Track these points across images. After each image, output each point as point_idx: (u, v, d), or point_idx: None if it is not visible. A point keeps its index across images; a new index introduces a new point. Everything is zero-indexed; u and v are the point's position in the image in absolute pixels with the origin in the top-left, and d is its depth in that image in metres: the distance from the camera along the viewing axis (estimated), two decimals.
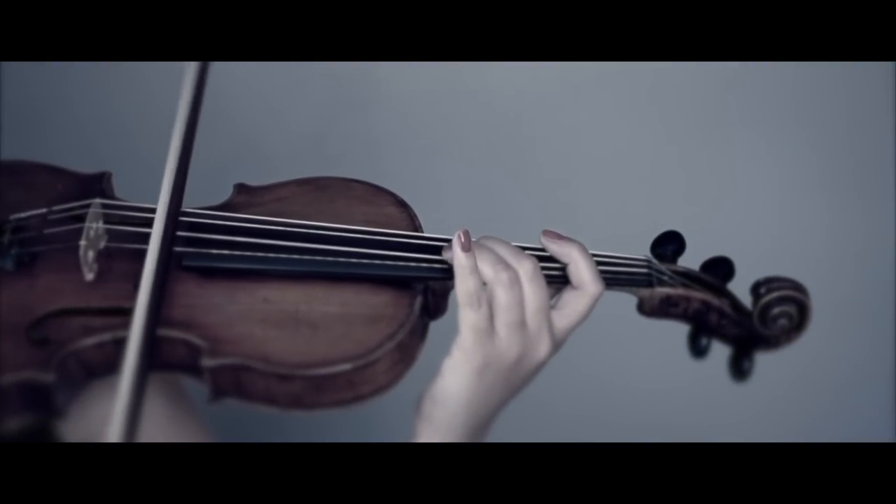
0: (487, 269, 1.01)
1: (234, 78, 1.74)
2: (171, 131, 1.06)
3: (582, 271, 1.04)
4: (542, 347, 1.03)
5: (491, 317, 1.01)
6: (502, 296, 1.01)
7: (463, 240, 1.02)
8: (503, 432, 1.08)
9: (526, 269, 1.02)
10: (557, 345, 1.05)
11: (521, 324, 1.02)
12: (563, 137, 1.83)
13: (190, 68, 1.06)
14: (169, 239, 1.01)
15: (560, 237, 1.06)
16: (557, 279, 1.05)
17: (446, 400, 1.02)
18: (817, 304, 1.11)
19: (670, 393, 1.89)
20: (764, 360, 1.14)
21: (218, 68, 1.42)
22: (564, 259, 1.05)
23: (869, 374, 1.90)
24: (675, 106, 1.83)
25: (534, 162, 1.85)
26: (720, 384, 1.18)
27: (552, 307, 1.04)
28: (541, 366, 1.04)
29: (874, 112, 1.80)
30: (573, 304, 1.04)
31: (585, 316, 1.05)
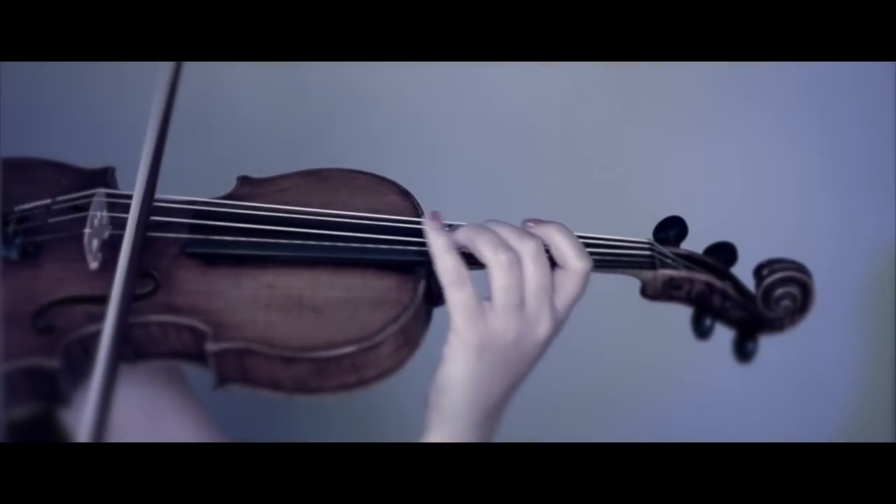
0: (487, 251, 1.01)
1: (234, 78, 1.74)
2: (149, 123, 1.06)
3: (563, 250, 1.04)
4: (542, 328, 1.03)
5: (478, 295, 1.01)
6: (500, 278, 1.01)
7: (435, 222, 1.03)
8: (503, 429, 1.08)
9: (529, 248, 1.02)
10: (557, 324, 1.04)
11: (519, 305, 1.01)
12: (563, 137, 1.83)
13: (165, 69, 1.06)
14: (143, 226, 1.02)
15: (539, 221, 1.06)
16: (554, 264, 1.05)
17: (448, 387, 1.02)
18: (817, 303, 1.12)
19: (673, 385, 1.89)
20: (764, 360, 1.14)
21: (218, 68, 1.43)
22: (545, 241, 1.04)
23: (869, 374, 1.90)
24: (675, 106, 1.83)
25: (534, 162, 1.85)
26: (720, 384, 1.18)
27: None
28: (542, 346, 1.04)
29: (875, 112, 1.80)
30: (563, 284, 1.04)
31: (579, 294, 1.04)
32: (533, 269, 1.02)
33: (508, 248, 1.01)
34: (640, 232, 1.13)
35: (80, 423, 0.92)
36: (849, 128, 1.83)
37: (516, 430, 1.08)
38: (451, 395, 1.02)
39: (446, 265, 1.01)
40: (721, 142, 1.85)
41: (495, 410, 1.04)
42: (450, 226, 1.05)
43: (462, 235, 1.03)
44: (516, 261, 1.01)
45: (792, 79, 1.78)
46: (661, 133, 1.84)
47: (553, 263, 1.05)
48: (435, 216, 1.04)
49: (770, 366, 1.15)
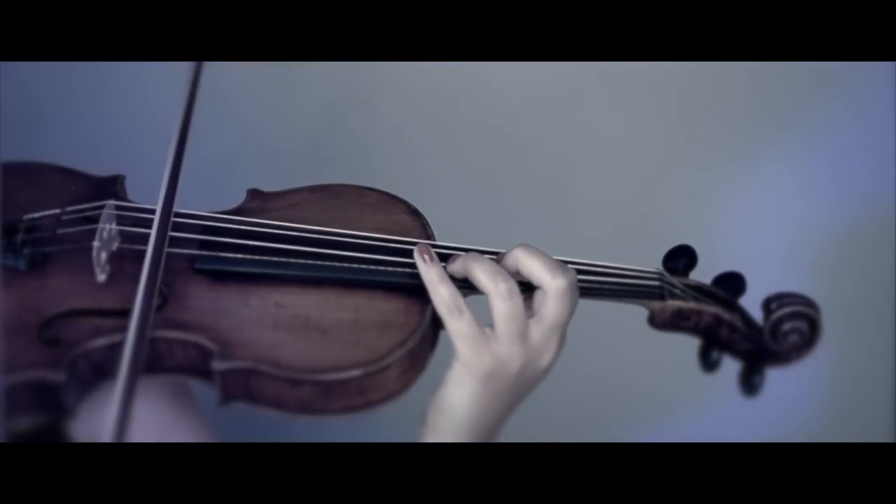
0: (486, 280, 1.01)
1: (234, 78, 1.74)
2: (171, 132, 1.06)
3: (534, 272, 1.02)
4: (547, 356, 1.03)
5: (478, 322, 1.01)
6: (501, 306, 1.00)
7: (425, 255, 1.03)
8: (506, 436, 1.08)
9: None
10: (560, 348, 1.04)
11: (523, 332, 1.01)
12: (563, 138, 1.83)
13: (189, 70, 1.06)
14: (162, 239, 1.02)
15: (501, 255, 1.05)
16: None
17: (450, 409, 1.02)
18: (817, 303, 1.12)
19: (674, 396, 1.90)
20: None
21: (218, 68, 1.42)
22: (513, 267, 1.03)
23: (869, 375, 1.90)
24: (676, 106, 1.83)
25: (534, 162, 1.85)
26: (721, 386, 1.18)
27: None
28: (545, 372, 1.04)
29: (875, 112, 1.80)
30: (544, 306, 1.02)
31: (562, 312, 1.02)
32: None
33: (507, 277, 1.01)
34: (637, 227, 1.13)
35: (102, 429, 0.92)
36: (849, 128, 1.83)
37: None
38: (451, 418, 1.02)
39: (442, 296, 1.01)
40: (720, 142, 1.85)
41: (491, 433, 1.05)
42: (445, 250, 1.05)
43: (459, 266, 1.03)
44: (515, 290, 1.01)
45: (793, 79, 1.78)
46: (660, 132, 1.84)
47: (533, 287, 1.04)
48: (424, 249, 1.03)
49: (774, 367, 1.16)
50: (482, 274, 1.01)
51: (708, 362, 1.13)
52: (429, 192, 1.15)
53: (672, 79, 1.78)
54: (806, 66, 1.72)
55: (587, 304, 1.06)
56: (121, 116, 1.73)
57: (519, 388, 1.03)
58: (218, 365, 0.98)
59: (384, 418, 1.04)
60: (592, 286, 1.08)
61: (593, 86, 1.80)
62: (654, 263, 1.11)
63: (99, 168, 1.13)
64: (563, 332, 1.03)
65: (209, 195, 1.12)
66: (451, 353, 1.03)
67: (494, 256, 1.05)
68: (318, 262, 1.04)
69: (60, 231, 1.05)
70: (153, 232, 1.01)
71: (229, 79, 1.75)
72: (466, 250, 1.06)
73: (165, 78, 1.09)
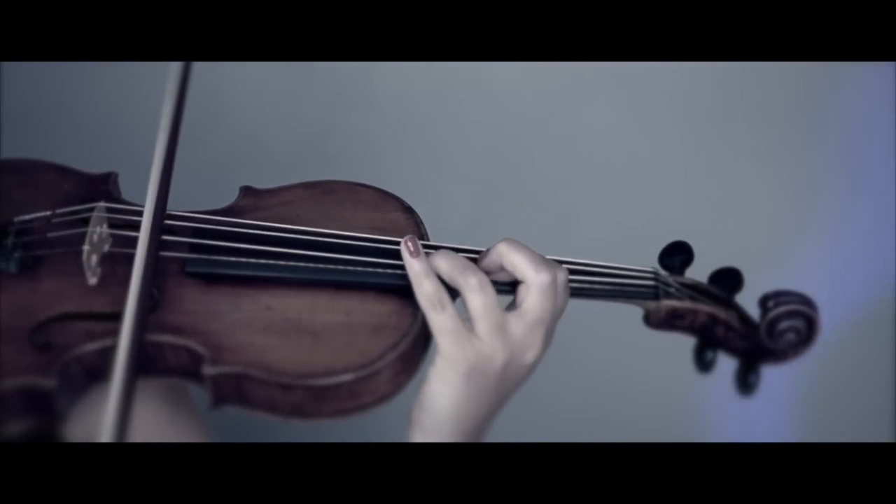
0: (456, 275, 1.00)
1: (235, 78, 1.74)
2: (157, 132, 1.05)
3: (518, 266, 1.02)
4: (531, 352, 1.02)
5: (460, 317, 1.00)
6: (475, 300, 1.00)
7: (411, 246, 1.02)
8: (502, 435, 1.07)
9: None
10: (546, 345, 1.03)
11: (501, 326, 1.00)
12: (563, 137, 1.83)
13: (173, 69, 1.05)
14: (156, 240, 1.00)
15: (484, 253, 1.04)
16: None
17: (433, 406, 1.01)
18: (817, 303, 1.12)
19: (672, 395, 1.90)
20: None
21: (218, 68, 1.42)
22: (496, 261, 1.03)
23: (869, 375, 1.90)
24: (675, 106, 1.83)
25: (534, 162, 1.85)
26: (720, 386, 1.18)
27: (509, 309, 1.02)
28: (530, 369, 1.03)
29: (875, 112, 1.80)
30: (526, 301, 1.02)
31: (545, 307, 1.01)
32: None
33: (477, 270, 1.00)
34: (637, 228, 1.13)
35: (99, 430, 0.91)
36: (849, 128, 1.83)
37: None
38: (435, 415, 1.01)
39: (425, 290, 1.00)
40: (720, 142, 1.85)
41: (478, 430, 1.04)
42: (431, 248, 1.04)
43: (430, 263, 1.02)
44: (487, 282, 1.00)
45: (792, 79, 1.78)
46: (660, 132, 1.84)
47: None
48: (411, 241, 1.02)
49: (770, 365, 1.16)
50: (451, 269, 1.01)
51: (702, 362, 1.12)
52: (428, 191, 1.15)
53: (671, 79, 1.78)
54: (805, 67, 1.72)
55: (581, 303, 1.06)
56: (120, 114, 1.73)
57: (504, 385, 1.02)
58: (209, 370, 0.97)
59: (377, 418, 1.03)
60: (585, 286, 1.07)
61: (593, 86, 1.80)
62: (651, 263, 1.11)
63: (98, 165, 1.12)
64: (548, 328, 1.02)
65: (209, 194, 1.12)
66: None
67: (479, 253, 1.05)
68: (310, 265, 1.03)
69: (51, 234, 1.03)
70: (143, 237, 0.99)
71: (229, 78, 1.75)
72: (463, 250, 1.05)
73: (160, 77, 1.09)
